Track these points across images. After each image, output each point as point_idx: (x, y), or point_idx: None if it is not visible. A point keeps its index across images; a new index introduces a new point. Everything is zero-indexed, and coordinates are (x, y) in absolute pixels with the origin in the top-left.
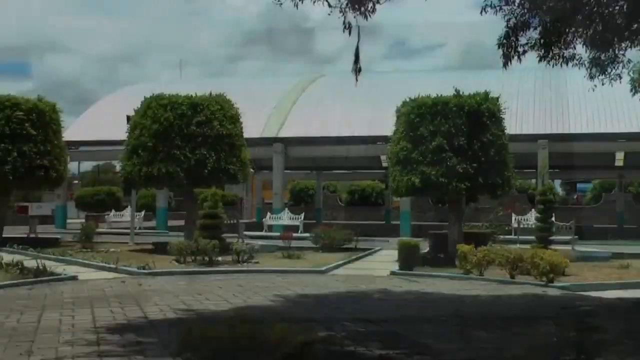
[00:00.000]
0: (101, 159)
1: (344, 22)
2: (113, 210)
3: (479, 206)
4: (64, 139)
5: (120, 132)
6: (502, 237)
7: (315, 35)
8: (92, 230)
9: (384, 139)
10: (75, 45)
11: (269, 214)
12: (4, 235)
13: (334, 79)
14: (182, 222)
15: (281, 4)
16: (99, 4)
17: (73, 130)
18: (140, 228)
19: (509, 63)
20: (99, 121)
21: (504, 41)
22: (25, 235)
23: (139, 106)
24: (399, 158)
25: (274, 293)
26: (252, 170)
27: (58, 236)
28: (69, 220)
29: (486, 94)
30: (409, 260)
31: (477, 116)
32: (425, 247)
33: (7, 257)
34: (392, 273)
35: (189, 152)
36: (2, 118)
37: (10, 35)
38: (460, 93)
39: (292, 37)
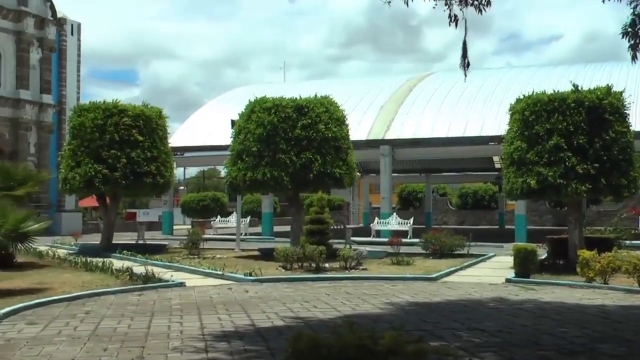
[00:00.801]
0: (206, 164)
1: (449, 15)
2: (219, 216)
3: (601, 209)
4: (169, 145)
5: (224, 137)
6: (627, 242)
7: (422, 32)
8: (199, 236)
9: (497, 138)
10: (179, 50)
11: (376, 218)
12: (113, 242)
13: (443, 77)
14: (287, 228)
15: (389, 2)
16: (203, 9)
17: (178, 135)
18: (245, 234)
19: (638, 54)
20: (204, 126)
21: (629, 30)
22: (134, 242)
23: (243, 110)
24: (513, 159)
25: (382, 301)
26: (358, 173)
27: (165, 242)
28: (175, 227)
29: (608, 88)
30: (525, 266)
31: (598, 112)
32: (542, 253)
33: (117, 263)
34: (508, 280)
35: (294, 156)
36: (110, 125)
37: (119, 44)
38: (579, 88)
39: (398, 35)
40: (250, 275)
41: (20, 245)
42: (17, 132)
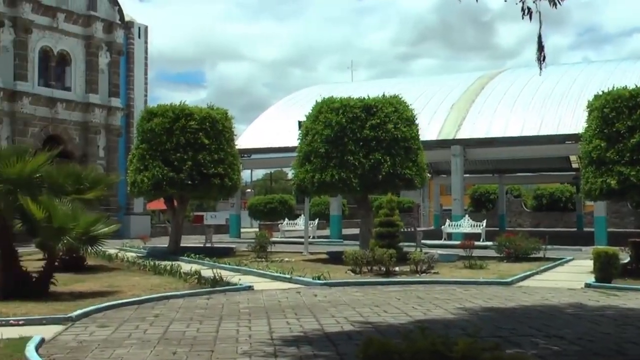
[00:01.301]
0: (273, 166)
1: (522, 8)
2: (286, 219)
3: None
4: (236, 147)
5: (291, 138)
6: None
7: (494, 28)
8: (266, 239)
9: (574, 137)
10: (246, 51)
11: (448, 221)
12: (181, 245)
13: (516, 74)
14: (356, 231)
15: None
16: (269, 9)
17: (245, 137)
18: (313, 237)
19: None
20: (271, 128)
21: None
22: (202, 245)
23: (311, 111)
24: (591, 158)
25: (455, 306)
26: (429, 174)
27: (233, 245)
28: (242, 230)
29: None
30: (606, 271)
31: None
32: (624, 257)
33: (185, 267)
34: (587, 285)
35: (362, 157)
36: (177, 128)
37: (186, 46)
38: None
39: (470, 32)
40: (319, 278)
41: (90, 248)
42: (86, 136)
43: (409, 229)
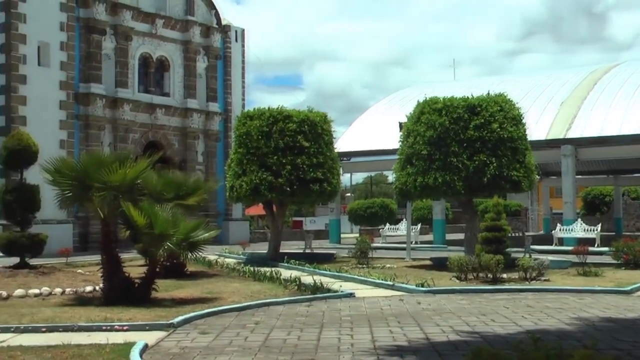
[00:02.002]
0: (373, 169)
1: None
2: (387, 224)
3: None
4: (336, 150)
5: (392, 140)
6: None
7: (609, 19)
8: (367, 245)
9: None
10: (344, 52)
11: (558, 225)
12: (280, 251)
13: (632, 68)
14: (461, 236)
15: None
16: (368, 8)
17: (344, 140)
18: (416, 242)
19: None
20: (370, 130)
21: None
22: (301, 251)
23: (412, 112)
24: None
25: (569, 315)
26: (537, 176)
27: (333, 251)
28: (342, 235)
29: None
30: None
31: None
32: None
33: (285, 273)
34: None
35: (466, 159)
36: (275, 131)
37: (283, 48)
38: None
39: (581, 23)
40: (423, 285)
41: (190, 254)
42: (185, 141)
43: (516, 234)
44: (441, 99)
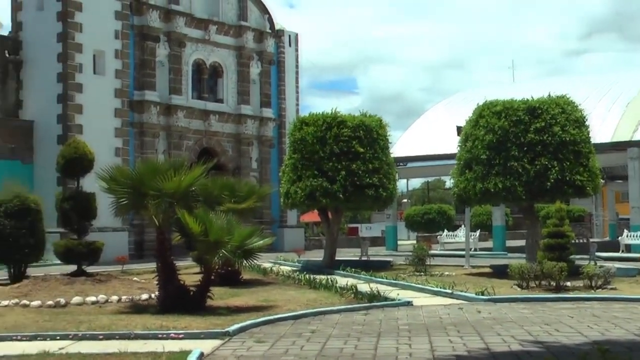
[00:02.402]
0: (430, 175)
1: None
2: (445, 230)
3: None
4: (391, 155)
5: (450, 145)
6: None
7: None
8: (425, 252)
9: None
10: (399, 55)
11: (625, 231)
12: (336, 258)
13: None
14: (521, 242)
15: None
16: (423, 9)
17: (400, 145)
18: (475, 249)
19: None
20: (427, 134)
21: None
22: (357, 258)
23: (470, 115)
24: None
25: (638, 326)
26: (602, 180)
27: (389, 259)
28: (399, 242)
29: None
30: None
31: None
32: None
33: (341, 281)
34: None
35: (527, 163)
36: (329, 137)
37: (337, 52)
38: None
39: None
40: (483, 294)
41: (245, 261)
42: (239, 148)
43: (580, 240)
44: (500, 102)
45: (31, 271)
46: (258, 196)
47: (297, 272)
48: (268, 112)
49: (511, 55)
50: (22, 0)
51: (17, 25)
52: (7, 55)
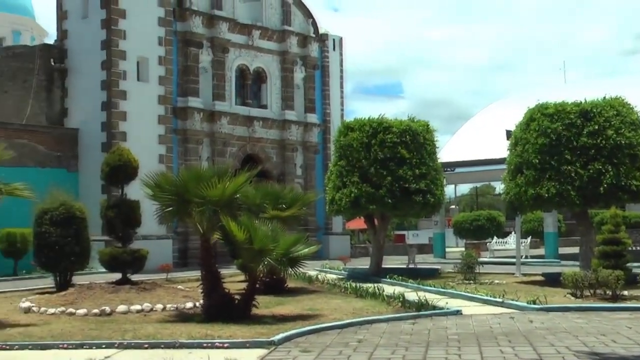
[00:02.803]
0: (479, 180)
1: None
2: (495, 237)
3: None
4: (439, 161)
5: (499, 149)
6: None
7: None
8: (474, 259)
9: None
10: (447, 58)
11: None
12: (383, 266)
13: None
14: (575, 249)
15: None
16: (472, 11)
17: (447, 150)
18: (526, 256)
19: None
20: (475, 138)
21: None
22: (404, 266)
23: (521, 118)
24: None
25: None
26: None
27: (437, 266)
28: (447, 249)
29: None
30: None
31: None
32: None
33: (388, 289)
34: None
35: (580, 168)
36: (375, 142)
37: (383, 55)
38: None
39: None
40: (535, 302)
41: (290, 269)
42: (283, 154)
43: (637, 248)
44: (552, 104)
45: (76, 279)
46: (303, 203)
47: (343, 280)
48: (312, 118)
49: (562, 55)
50: (68, 8)
51: (62, 33)
52: (52, 63)
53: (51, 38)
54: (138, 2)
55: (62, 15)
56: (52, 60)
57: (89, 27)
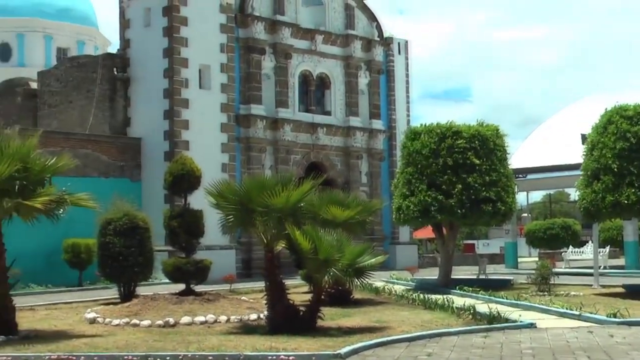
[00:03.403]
0: (552, 187)
1: None
2: (570, 247)
3: None
4: (510, 167)
5: (574, 154)
6: None
7: None
8: (549, 270)
9: None
10: (517, 60)
11: None
12: (452, 276)
13: None
14: None
15: None
16: (543, 11)
17: (519, 156)
18: (605, 267)
19: None
20: (548, 144)
21: None
22: (475, 276)
23: (597, 122)
24: None
25: None
26: None
27: (509, 277)
28: (519, 259)
29: None
30: None
31: None
32: None
33: (458, 301)
34: None
35: None
36: (443, 148)
37: (450, 59)
38: None
39: None
40: (615, 316)
41: (356, 280)
42: (348, 161)
43: None
44: (632, 106)
45: (140, 290)
46: (368, 211)
47: (411, 292)
48: (378, 124)
49: None
50: (130, 17)
51: (125, 42)
52: (115, 72)
53: (114, 47)
54: (200, 9)
55: (124, 24)
56: (115, 69)
57: (151, 35)
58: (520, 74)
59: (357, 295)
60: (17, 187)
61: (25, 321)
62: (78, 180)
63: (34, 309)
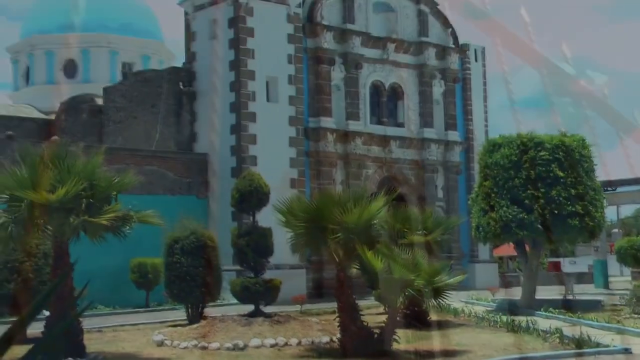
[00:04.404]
0: None
1: None
2: None
3: None
4: (598, 179)
5: None
6: None
7: None
8: None
9: None
10: (604, 63)
11: None
12: (536, 297)
13: None
14: None
15: None
16: (624, 12)
17: (608, 167)
18: None
19: None
20: None
21: None
22: (561, 297)
23: None
24: None
25: None
26: None
27: (599, 298)
28: (610, 278)
29: None
30: None
31: None
32: None
33: (543, 323)
34: None
35: None
36: (525, 160)
37: (530, 65)
38: None
39: None
40: None
41: (433, 301)
42: (422, 175)
43: None
44: None
45: (207, 310)
46: (445, 228)
47: (492, 313)
48: (454, 135)
49: None
50: (196, 30)
51: (190, 55)
52: (181, 87)
53: (179, 61)
54: (266, 19)
55: (190, 36)
56: (180, 83)
57: (217, 47)
58: (607, 77)
59: (434, 316)
60: (83, 204)
61: (93, 343)
62: (144, 198)
63: (101, 330)
